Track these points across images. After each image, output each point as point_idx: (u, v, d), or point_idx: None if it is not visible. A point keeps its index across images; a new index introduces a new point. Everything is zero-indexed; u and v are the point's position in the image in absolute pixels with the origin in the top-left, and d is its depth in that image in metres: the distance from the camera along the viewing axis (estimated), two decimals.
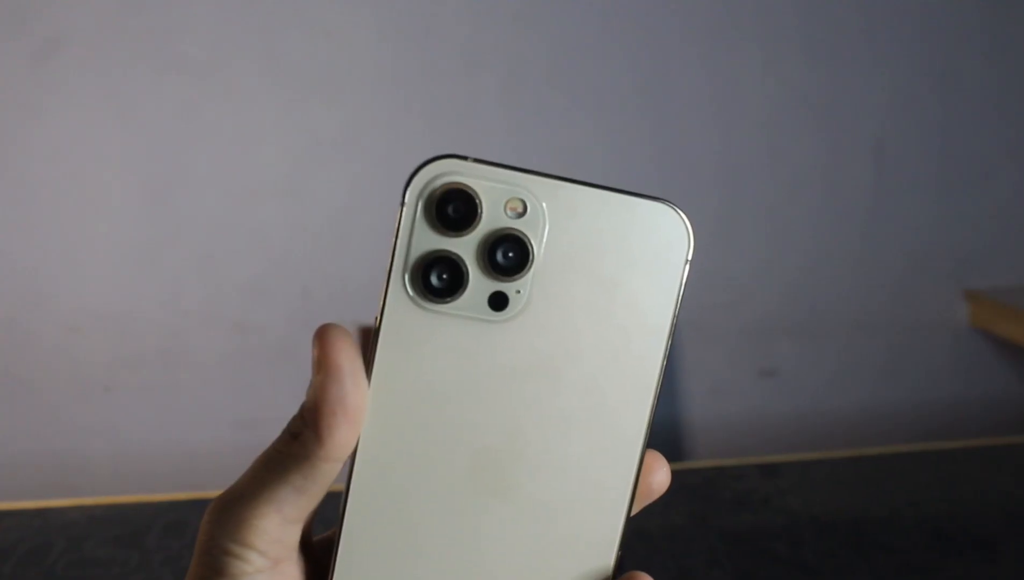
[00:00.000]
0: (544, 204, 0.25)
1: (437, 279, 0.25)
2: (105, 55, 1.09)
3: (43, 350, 1.15)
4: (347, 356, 0.24)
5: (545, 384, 0.25)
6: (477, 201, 0.25)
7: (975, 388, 1.33)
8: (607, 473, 0.26)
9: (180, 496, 0.70)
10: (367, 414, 0.25)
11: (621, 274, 0.26)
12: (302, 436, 0.24)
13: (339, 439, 0.24)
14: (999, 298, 1.25)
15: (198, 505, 0.67)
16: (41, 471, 1.17)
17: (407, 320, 0.25)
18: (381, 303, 0.25)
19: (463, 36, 1.14)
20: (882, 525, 0.66)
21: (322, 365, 0.24)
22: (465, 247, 0.25)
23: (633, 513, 0.27)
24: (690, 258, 0.26)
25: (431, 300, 0.25)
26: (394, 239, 0.25)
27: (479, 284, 0.25)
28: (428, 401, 0.25)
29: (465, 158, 0.25)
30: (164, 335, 1.16)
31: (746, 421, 1.28)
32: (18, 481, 1.16)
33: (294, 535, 0.25)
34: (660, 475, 0.27)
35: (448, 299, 0.25)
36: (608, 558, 0.26)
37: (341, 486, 0.25)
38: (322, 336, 0.24)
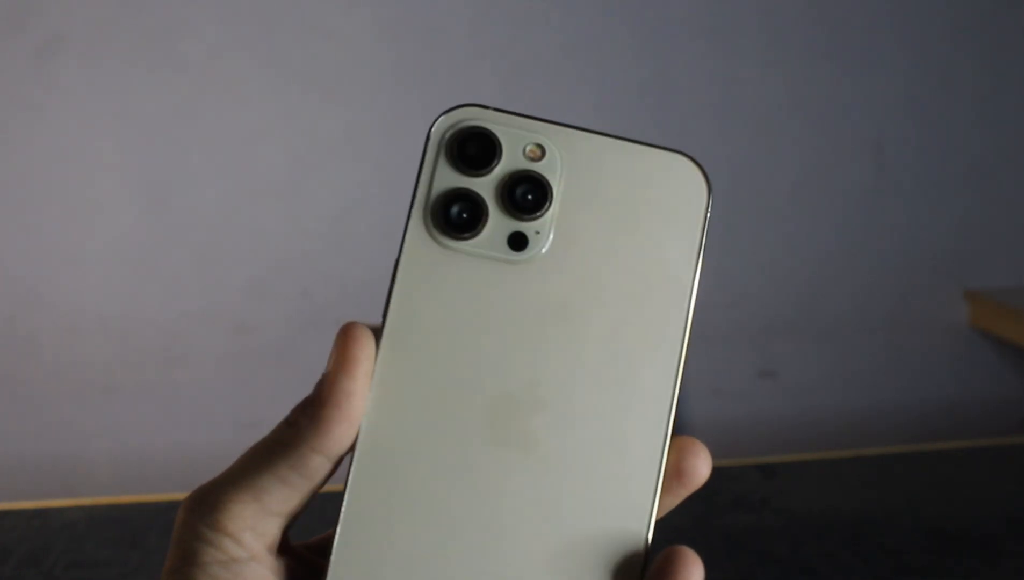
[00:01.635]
0: (562, 151, 0.26)
1: (457, 215, 0.25)
2: (105, 55, 1.09)
3: (42, 350, 1.15)
4: (366, 354, 0.24)
5: (566, 329, 0.25)
6: (497, 142, 0.25)
7: (975, 388, 1.33)
8: (635, 432, 0.25)
9: (180, 496, 0.70)
10: (380, 354, 0.24)
11: (641, 222, 0.25)
12: (298, 423, 0.23)
13: (336, 433, 0.23)
14: (999, 298, 1.25)
15: None
16: (41, 471, 1.17)
17: (426, 257, 0.25)
18: (401, 240, 0.25)
19: (463, 36, 1.14)
20: (882, 526, 0.66)
21: (339, 357, 0.23)
22: (485, 186, 0.25)
23: (672, 502, 0.25)
24: (710, 211, 0.26)
25: (451, 236, 0.25)
26: (416, 178, 0.25)
27: (498, 223, 0.25)
28: (444, 340, 0.24)
29: (486, 107, 0.26)
30: (164, 336, 1.16)
31: (745, 422, 1.28)
32: (18, 481, 1.16)
33: (274, 528, 0.23)
34: (703, 460, 0.25)
35: (467, 235, 0.25)
36: (640, 526, 0.24)
37: (335, 486, 0.24)
38: (346, 331, 0.24)
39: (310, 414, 0.23)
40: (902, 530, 0.65)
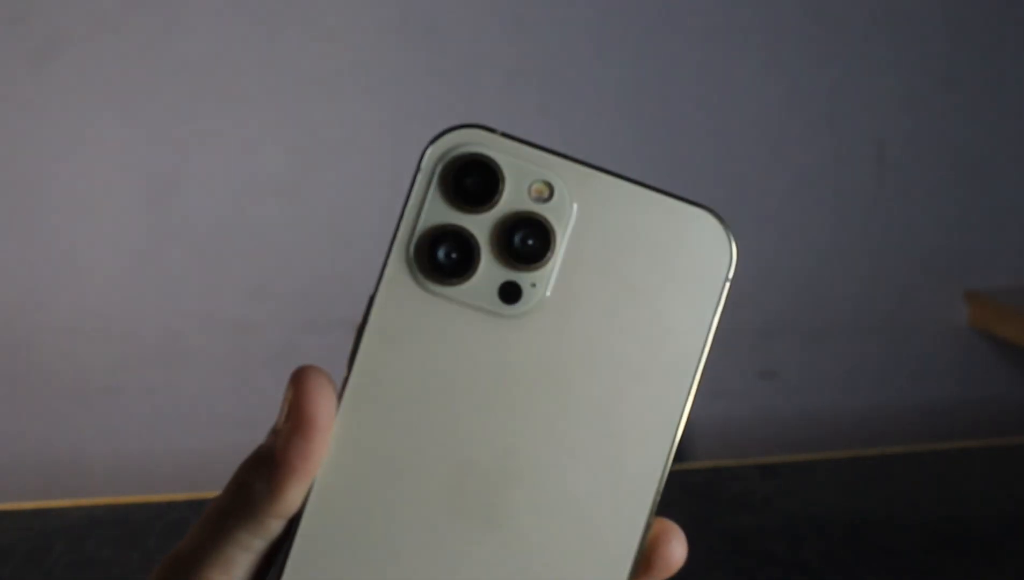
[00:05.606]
0: (573, 192, 0.22)
1: (445, 256, 0.22)
2: (105, 55, 1.09)
3: (42, 351, 1.15)
4: (324, 410, 0.21)
5: (550, 398, 0.22)
6: (500, 175, 0.22)
7: (975, 389, 1.33)
8: (612, 520, 0.22)
9: (180, 496, 0.70)
10: (343, 404, 0.22)
11: (652, 284, 0.23)
12: (252, 486, 0.21)
13: (291, 496, 0.21)
14: (999, 298, 1.25)
15: (198, 505, 0.67)
16: (41, 471, 1.17)
17: (404, 300, 0.22)
18: (378, 277, 0.22)
19: (464, 37, 1.14)
20: (882, 526, 0.66)
21: (294, 414, 0.21)
22: (480, 226, 0.22)
23: None
24: (731, 277, 0.24)
25: (435, 280, 0.22)
26: (402, 207, 0.22)
27: (491, 270, 0.22)
28: (415, 397, 0.22)
29: (493, 131, 0.23)
30: (164, 336, 1.16)
31: (746, 422, 1.28)
32: (18, 481, 1.16)
33: None
34: (676, 547, 0.23)
35: (454, 281, 0.22)
36: None
37: None
38: (301, 381, 0.21)
39: (264, 476, 0.21)
40: (902, 530, 0.65)
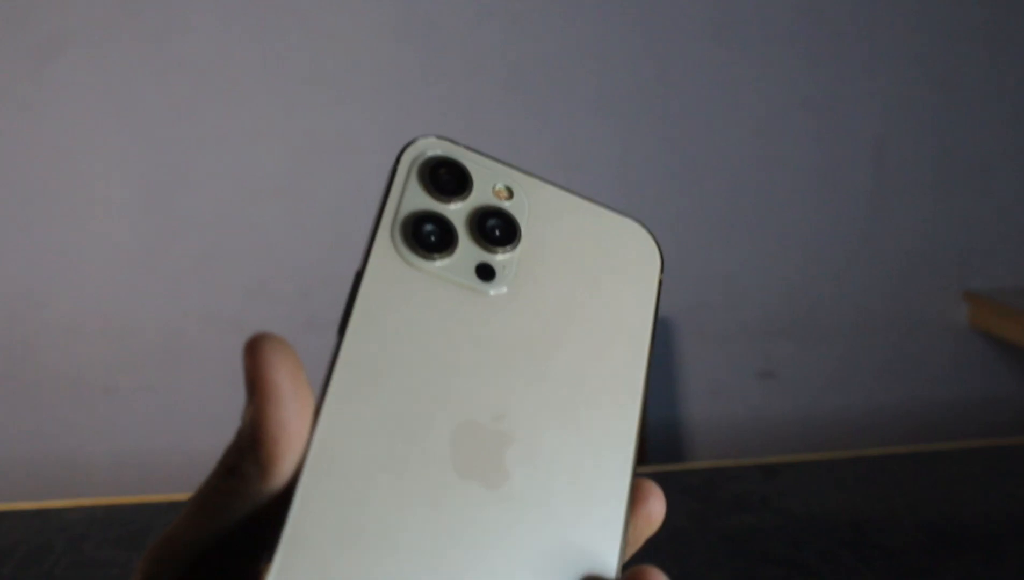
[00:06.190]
0: (528, 197, 0.26)
1: (427, 235, 0.24)
2: (105, 55, 1.09)
3: (43, 351, 1.15)
4: (285, 373, 0.21)
5: (531, 365, 0.24)
6: (468, 176, 0.25)
7: (975, 389, 1.33)
8: (599, 476, 0.24)
9: (180, 496, 0.70)
10: (337, 368, 0.22)
11: (601, 276, 0.26)
12: (241, 470, 0.21)
13: (283, 469, 0.20)
14: (999, 299, 1.25)
15: None
16: (41, 471, 1.17)
17: (391, 274, 0.23)
18: (364, 254, 0.23)
19: (464, 37, 1.14)
20: (881, 526, 0.66)
21: (257, 386, 0.21)
22: (455, 214, 0.25)
23: (635, 542, 0.24)
24: (662, 277, 0.27)
25: (420, 255, 0.24)
26: (383, 196, 0.25)
27: (468, 251, 0.25)
28: (404, 362, 0.23)
29: (456, 143, 0.26)
30: (164, 335, 1.16)
31: (745, 422, 1.28)
32: (18, 481, 1.16)
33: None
34: (655, 504, 0.24)
35: (437, 256, 0.24)
36: (610, 561, 0.23)
37: None
38: (254, 351, 0.21)
39: (251, 457, 0.21)
40: (902, 530, 0.65)
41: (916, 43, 1.22)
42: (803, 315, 1.28)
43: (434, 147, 0.26)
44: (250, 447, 0.21)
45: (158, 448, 1.18)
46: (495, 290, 0.24)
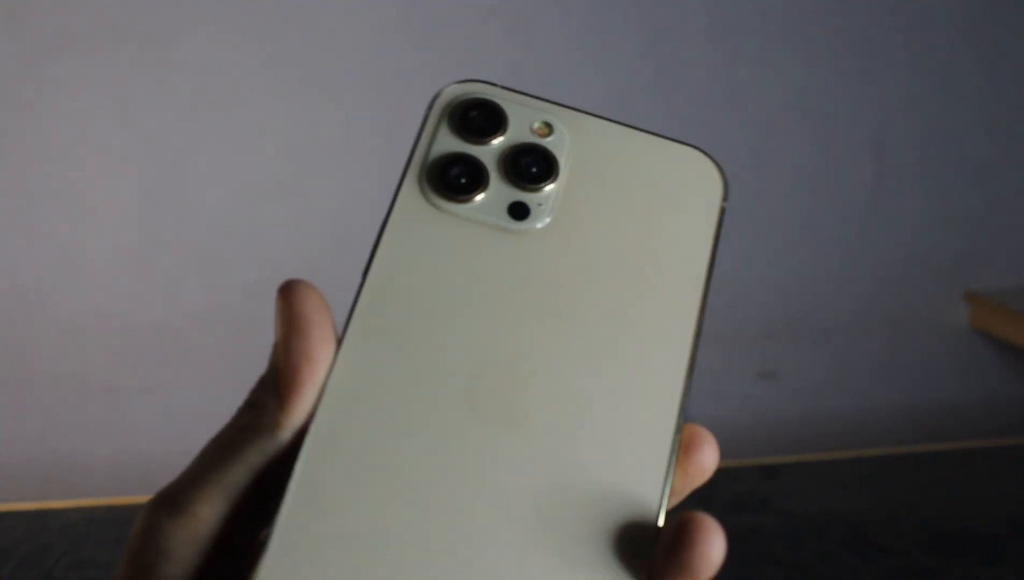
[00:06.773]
0: (571, 132, 0.25)
1: (455, 177, 0.23)
2: (105, 55, 1.09)
3: (43, 351, 1.15)
4: (315, 308, 0.21)
5: (564, 304, 0.22)
6: (503, 115, 0.25)
7: (975, 389, 1.33)
8: (639, 418, 0.22)
9: None
10: (358, 311, 0.22)
11: (652, 208, 0.24)
12: (261, 402, 0.21)
13: (303, 402, 0.20)
14: (999, 299, 1.25)
15: None
16: (41, 471, 1.17)
17: (418, 218, 0.23)
18: (392, 200, 0.23)
19: (463, 37, 1.14)
20: (881, 526, 0.66)
21: (286, 318, 0.21)
22: (488, 155, 0.24)
23: (680, 492, 0.23)
24: (725, 205, 0.25)
25: (448, 197, 0.23)
26: (415, 141, 0.24)
27: (499, 191, 0.24)
28: (428, 304, 0.22)
29: (494, 84, 0.26)
30: (164, 336, 1.16)
31: (745, 422, 1.28)
32: (18, 482, 1.16)
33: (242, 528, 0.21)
34: (709, 452, 0.23)
35: (465, 197, 0.23)
36: (651, 501, 0.22)
37: None
38: (289, 289, 0.21)
39: (272, 388, 0.21)
40: (902, 530, 0.65)
41: (916, 43, 1.22)
42: (803, 315, 1.28)
43: (468, 90, 0.25)
44: (271, 378, 0.21)
45: (158, 448, 1.18)
46: (530, 228, 0.23)
